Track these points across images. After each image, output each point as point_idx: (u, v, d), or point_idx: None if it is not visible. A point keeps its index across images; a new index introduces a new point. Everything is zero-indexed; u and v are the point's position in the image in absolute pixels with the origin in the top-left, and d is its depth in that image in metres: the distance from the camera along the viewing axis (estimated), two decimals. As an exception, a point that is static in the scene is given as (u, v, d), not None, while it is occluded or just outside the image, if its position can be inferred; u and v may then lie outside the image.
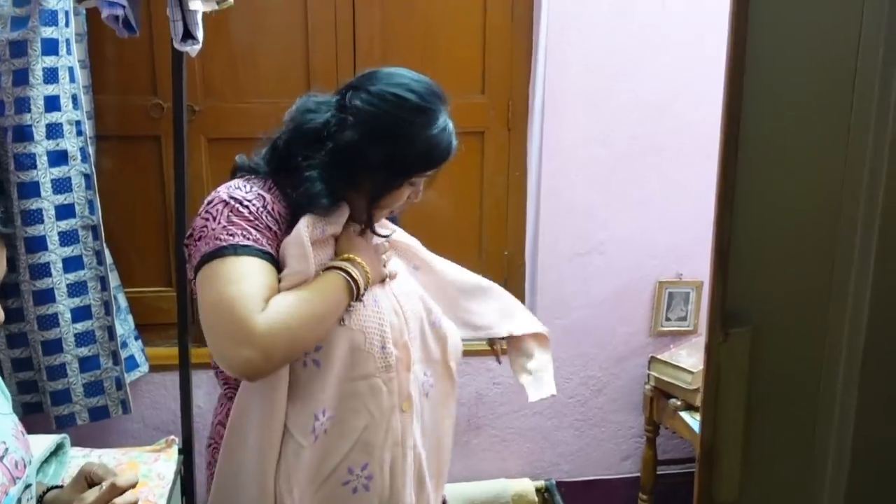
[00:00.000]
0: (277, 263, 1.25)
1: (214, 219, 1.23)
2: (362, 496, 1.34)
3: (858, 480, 0.87)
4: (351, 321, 1.29)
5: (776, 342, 0.86)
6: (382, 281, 1.37)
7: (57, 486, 1.23)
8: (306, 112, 1.31)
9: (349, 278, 1.26)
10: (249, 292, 1.17)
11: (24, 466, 1.10)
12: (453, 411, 1.51)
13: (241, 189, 1.26)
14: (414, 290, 1.45)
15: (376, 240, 1.40)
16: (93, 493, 1.08)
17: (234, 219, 1.22)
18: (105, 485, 1.07)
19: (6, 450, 1.07)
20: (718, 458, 0.88)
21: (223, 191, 1.26)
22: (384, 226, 1.44)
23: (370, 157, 1.28)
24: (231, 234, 1.21)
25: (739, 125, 0.79)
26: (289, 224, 1.27)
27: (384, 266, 1.38)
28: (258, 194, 1.26)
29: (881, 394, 0.85)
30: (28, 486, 1.12)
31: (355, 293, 1.28)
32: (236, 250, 1.20)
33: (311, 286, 1.25)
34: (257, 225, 1.23)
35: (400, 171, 1.31)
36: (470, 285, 1.62)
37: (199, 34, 1.64)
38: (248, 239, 1.21)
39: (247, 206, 1.23)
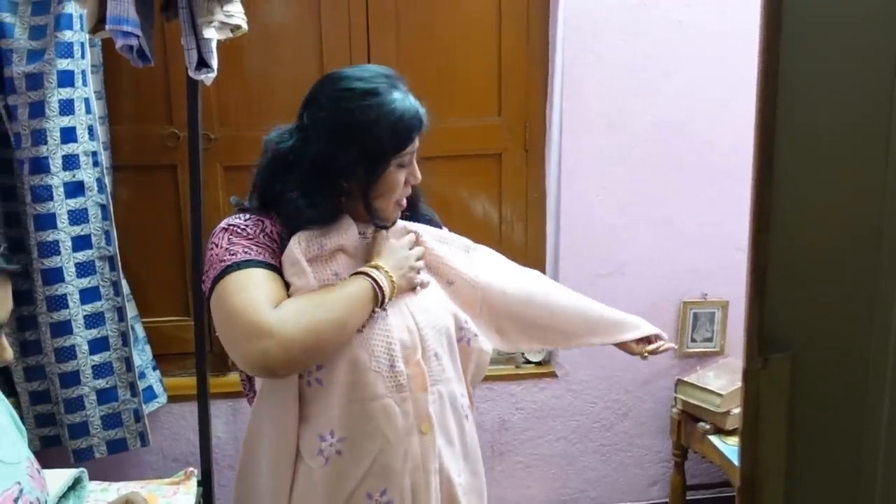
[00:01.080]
0: (283, 276, 1.28)
1: (218, 245, 1.29)
2: None
3: None
4: (353, 339, 1.28)
5: (818, 367, 0.82)
6: (414, 289, 1.36)
7: None
8: (275, 144, 1.34)
9: (371, 281, 1.27)
10: (257, 295, 1.22)
11: (40, 507, 1.08)
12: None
13: (238, 217, 1.33)
14: (441, 305, 1.40)
15: (414, 250, 1.38)
16: None
17: (235, 239, 1.28)
18: None
19: (21, 490, 1.05)
20: (760, 489, 0.84)
21: (223, 222, 1.33)
22: (349, 235, 1.35)
23: (342, 160, 1.29)
24: (233, 254, 1.26)
25: (774, 142, 0.75)
26: None
27: (417, 273, 1.36)
28: (256, 220, 1.32)
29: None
30: None
31: (380, 298, 1.28)
32: (239, 266, 1.25)
33: (328, 287, 1.27)
34: (257, 242, 1.29)
35: (376, 159, 1.30)
36: (523, 293, 1.53)
37: (214, 62, 1.63)
38: (250, 254, 1.27)
39: (244, 229, 1.30)
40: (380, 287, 1.27)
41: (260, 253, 1.28)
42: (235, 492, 1.40)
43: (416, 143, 1.33)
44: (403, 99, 1.30)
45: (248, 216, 1.33)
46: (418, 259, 1.38)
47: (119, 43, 1.58)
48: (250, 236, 1.29)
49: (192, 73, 1.63)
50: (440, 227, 1.52)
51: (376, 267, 1.30)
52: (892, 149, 0.77)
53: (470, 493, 1.43)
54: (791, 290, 0.80)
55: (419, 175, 1.36)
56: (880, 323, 0.81)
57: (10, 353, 0.99)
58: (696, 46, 2.26)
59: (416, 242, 1.42)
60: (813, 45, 0.74)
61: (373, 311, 1.28)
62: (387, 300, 1.29)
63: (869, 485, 0.84)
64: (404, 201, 1.37)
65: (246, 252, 1.27)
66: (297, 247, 1.26)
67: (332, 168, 1.30)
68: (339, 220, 1.32)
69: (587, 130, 2.28)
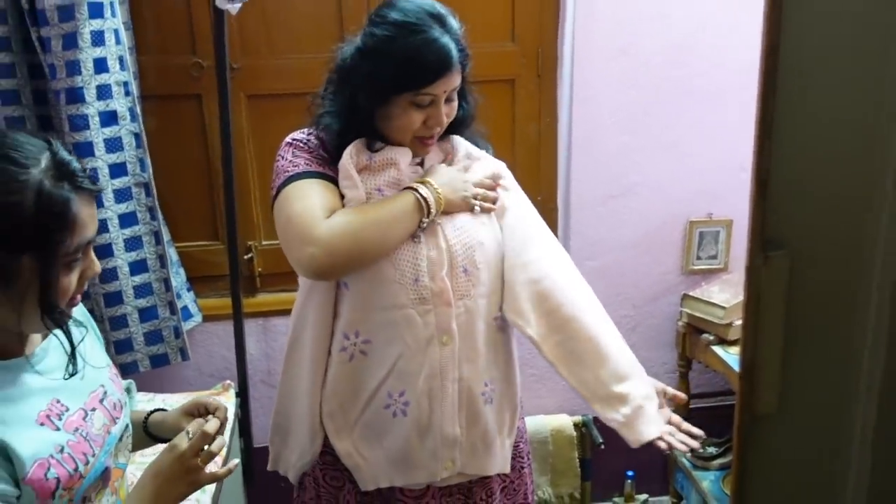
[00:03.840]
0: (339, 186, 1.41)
1: (283, 158, 1.42)
2: (401, 420, 1.44)
3: (891, 389, 0.92)
4: None
5: (814, 263, 0.89)
6: (472, 210, 1.45)
7: (162, 409, 1.33)
8: (339, 60, 1.43)
9: (415, 193, 1.37)
10: (312, 204, 1.34)
11: (122, 408, 1.20)
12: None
13: (301, 133, 1.46)
14: (478, 220, 1.47)
15: (475, 172, 1.47)
16: (194, 425, 1.16)
17: (298, 152, 1.42)
18: (192, 430, 1.13)
19: (105, 393, 1.16)
20: (759, 372, 0.92)
21: (288, 137, 1.47)
22: (403, 152, 1.42)
23: (355, 76, 1.37)
24: (295, 166, 1.40)
25: (778, 56, 0.82)
26: None
27: (474, 197, 1.45)
28: (316, 136, 1.45)
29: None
30: (126, 425, 1.22)
31: (426, 209, 1.37)
32: (300, 176, 1.38)
33: (377, 201, 1.38)
34: (317, 156, 1.42)
35: (381, 85, 1.35)
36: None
37: (244, -9, 1.69)
38: (311, 166, 1.40)
39: (306, 144, 1.43)
40: (424, 198, 1.37)
41: (321, 165, 1.41)
42: (280, 386, 1.56)
43: (440, 86, 1.34)
44: (432, 40, 1.32)
45: (310, 131, 1.46)
46: (478, 185, 1.46)
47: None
48: (311, 150, 1.43)
49: (224, 2, 1.69)
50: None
51: (423, 182, 1.40)
52: (893, 59, 0.84)
53: (501, 400, 1.53)
54: (790, 193, 0.88)
55: (443, 119, 1.38)
56: (871, 222, 0.89)
57: (98, 266, 1.09)
58: (706, -31, 2.30)
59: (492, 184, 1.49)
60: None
61: (420, 223, 1.38)
62: (433, 212, 1.38)
63: (857, 368, 0.94)
64: (432, 140, 1.42)
65: (307, 164, 1.40)
66: (349, 160, 1.38)
67: (351, 84, 1.39)
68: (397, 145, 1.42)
69: (599, 55, 2.34)
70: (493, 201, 1.48)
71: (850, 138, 0.88)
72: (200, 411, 1.24)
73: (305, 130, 1.47)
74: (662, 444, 1.46)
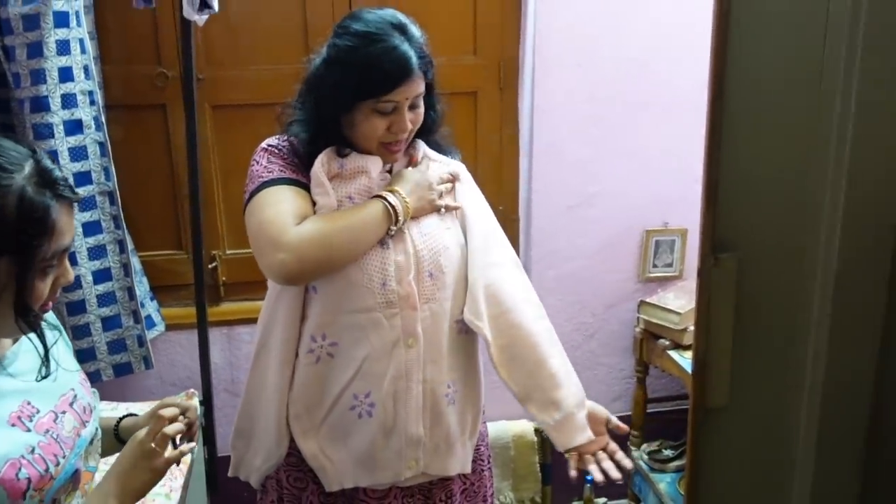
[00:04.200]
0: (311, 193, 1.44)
1: (258, 163, 1.45)
2: (366, 421, 1.48)
3: (833, 383, 0.98)
4: None
5: (760, 265, 0.96)
6: (438, 210, 1.50)
7: (132, 415, 1.34)
8: (311, 71, 1.47)
9: (384, 202, 1.41)
10: (284, 210, 1.37)
11: (91, 411, 1.21)
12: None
13: (276, 139, 1.49)
14: (443, 226, 1.52)
15: (435, 172, 1.51)
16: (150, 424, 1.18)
17: (273, 159, 1.44)
18: (152, 421, 1.17)
19: (75, 396, 1.18)
20: (711, 368, 0.98)
21: (264, 143, 1.48)
22: (374, 160, 1.46)
23: (320, 86, 1.42)
24: (270, 171, 1.42)
25: (725, 73, 0.89)
26: None
27: (439, 197, 1.49)
28: (289, 142, 1.48)
29: (852, 306, 0.96)
30: (96, 429, 1.23)
31: (394, 217, 1.41)
32: (273, 182, 1.41)
33: (347, 209, 1.41)
34: (291, 162, 1.45)
35: (344, 94, 1.39)
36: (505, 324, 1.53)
37: (215, 1, 1.71)
38: (284, 173, 1.42)
39: (280, 150, 1.46)
40: (392, 207, 1.40)
41: (294, 172, 1.43)
42: (246, 391, 1.58)
43: (401, 93, 1.38)
44: (390, 50, 1.36)
45: (284, 138, 1.48)
46: (440, 183, 1.50)
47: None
48: (285, 156, 1.45)
49: (192, 14, 1.71)
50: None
51: (391, 191, 1.43)
52: (826, 80, 0.91)
53: (463, 402, 1.57)
54: (738, 200, 0.95)
55: (406, 125, 1.42)
56: (812, 229, 0.96)
57: (72, 275, 1.10)
58: (661, -11, 2.39)
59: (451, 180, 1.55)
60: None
61: (389, 230, 1.42)
62: (401, 220, 1.42)
63: (801, 363, 1.00)
64: (398, 146, 1.46)
65: (281, 171, 1.42)
66: (321, 167, 1.41)
67: (318, 95, 1.43)
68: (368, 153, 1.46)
69: (559, 68, 2.41)
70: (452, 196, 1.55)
71: (793, 147, 0.94)
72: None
73: (280, 137, 1.50)
74: (573, 473, 1.53)
